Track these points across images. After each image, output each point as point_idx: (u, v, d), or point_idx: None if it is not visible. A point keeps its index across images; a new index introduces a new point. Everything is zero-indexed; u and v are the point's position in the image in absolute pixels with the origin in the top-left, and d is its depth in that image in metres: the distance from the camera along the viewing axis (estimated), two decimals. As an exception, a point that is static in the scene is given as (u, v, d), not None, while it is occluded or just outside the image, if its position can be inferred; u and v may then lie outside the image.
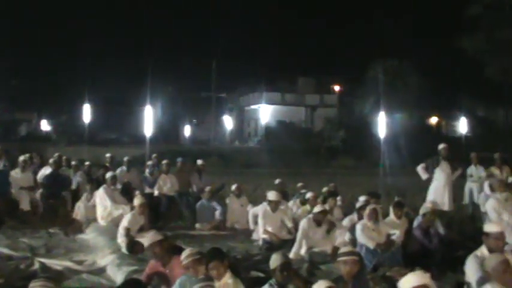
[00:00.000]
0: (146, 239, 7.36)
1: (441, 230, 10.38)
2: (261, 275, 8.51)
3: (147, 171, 15.64)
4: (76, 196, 14.38)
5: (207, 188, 14.09)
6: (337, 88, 59.61)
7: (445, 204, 12.81)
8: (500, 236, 6.58)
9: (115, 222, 11.78)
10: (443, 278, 8.51)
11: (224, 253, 6.70)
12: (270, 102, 56.33)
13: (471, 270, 6.45)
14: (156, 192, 14.76)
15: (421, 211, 10.04)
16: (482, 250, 6.56)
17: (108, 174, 13.62)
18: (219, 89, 58.07)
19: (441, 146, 13.44)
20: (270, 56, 59.41)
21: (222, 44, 53.81)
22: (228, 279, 6.21)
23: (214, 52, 53.13)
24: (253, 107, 59.58)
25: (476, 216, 13.74)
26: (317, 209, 10.32)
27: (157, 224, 12.37)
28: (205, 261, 6.36)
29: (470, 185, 15.14)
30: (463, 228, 12.71)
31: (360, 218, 10.53)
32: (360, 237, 9.57)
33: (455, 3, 47.32)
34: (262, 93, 56.32)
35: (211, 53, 53.43)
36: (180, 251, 7.02)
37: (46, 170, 15.08)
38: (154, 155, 17.23)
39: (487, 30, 40.42)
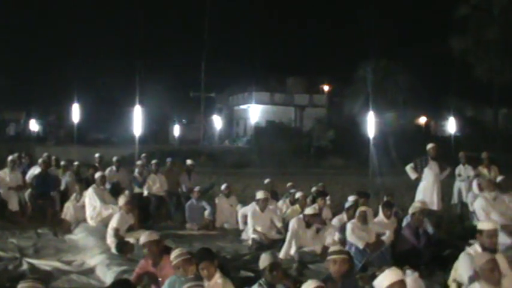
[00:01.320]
0: (143, 236, 7.34)
1: (430, 229, 10.43)
2: (251, 274, 8.52)
3: (136, 171, 15.59)
4: (65, 196, 14.34)
5: (197, 188, 14.09)
6: (326, 88, 59.61)
7: (434, 204, 12.86)
8: (494, 233, 6.62)
9: (104, 223, 11.74)
10: (432, 276, 8.56)
11: (214, 253, 6.71)
12: (259, 102, 56.30)
13: (463, 268, 6.48)
14: (145, 192, 14.75)
15: (410, 210, 10.08)
16: (476, 247, 6.60)
17: (97, 174, 13.56)
18: (208, 89, 57.93)
19: (430, 146, 13.49)
20: (259, 56, 59.38)
21: (211, 43, 53.62)
22: (217, 279, 6.22)
23: (203, 52, 52.90)
24: (242, 106, 59.55)
25: (464, 216, 13.80)
26: (309, 211, 10.32)
27: (146, 224, 12.34)
28: (195, 261, 6.36)
29: (458, 185, 15.19)
30: (452, 228, 12.79)
31: (349, 217, 10.57)
32: (350, 236, 9.61)
33: (444, 4, 47.52)
34: (251, 93, 56.27)
35: (200, 53, 53.26)
36: (169, 251, 7.02)
37: (35, 170, 15.01)
38: (143, 155, 17.19)
39: (475, 31, 40.61)
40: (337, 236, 10.41)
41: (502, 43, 40.01)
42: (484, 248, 6.47)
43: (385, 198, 12.87)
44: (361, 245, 9.40)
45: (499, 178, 12.22)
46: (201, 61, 54.27)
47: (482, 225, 6.83)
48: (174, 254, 6.61)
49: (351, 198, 11.56)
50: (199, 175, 16.86)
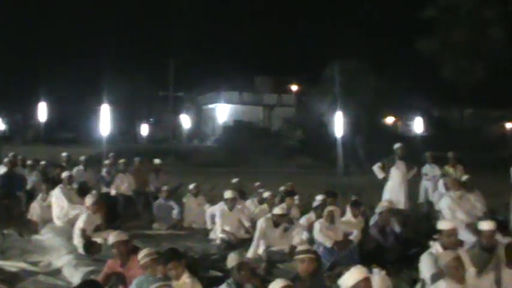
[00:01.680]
0: (112, 236, 7.31)
1: (397, 228, 10.53)
2: (219, 274, 8.51)
3: (104, 170, 15.50)
4: (31, 196, 14.16)
5: (165, 188, 14.05)
6: (294, 87, 59.80)
7: (401, 203, 12.97)
8: (453, 233, 6.71)
9: (71, 223, 11.61)
10: (399, 275, 8.64)
11: (181, 253, 6.70)
12: (228, 101, 56.29)
13: (426, 267, 6.56)
14: (113, 192, 14.66)
15: (377, 210, 10.18)
16: (437, 247, 6.68)
17: (65, 174, 13.43)
18: (176, 88, 57.79)
19: (397, 146, 13.61)
20: (228, 55, 59.38)
21: (180, 43, 53.45)
22: (185, 278, 6.22)
23: (172, 51, 52.72)
24: (210, 106, 59.44)
25: (431, 215, 13.93)
26: (277, 211, 10.32)
27: (114, 224, 12.24)
28: (163, 261, 6.35)
29: (425, 184, 15.34)
30: (419, 226, 12.88)
31: (317, 217, 10.64)
32: (318, 236, 9.66)
33: (412, 5, 48.00)
34: (219, 92, 56.24)
35: (169, 52, 53.07)
36: (137, 251, 7.00)
37: (0, 170, 14.84)
38: (111, 154, 17.06)
39: (442, 32, 41.08)
40: (305, 235, 10.46)
41: (468, 44, 40.54)
42: (444, 247, 6.56)
43: (352, 198, 12.98)
44: (329, 244, 9.46)
45: (465, 177, 12.34)
46: (170, 60, 54.12)
47: (442, 225, 6.92)
48: (142, 253, 6.60)
49: (319, 198, 11.61)
50: (167, 174, 16.81)
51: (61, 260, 9.83)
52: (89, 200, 10.93)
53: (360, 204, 11.29)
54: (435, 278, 6.10)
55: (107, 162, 15.87)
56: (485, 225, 7.06)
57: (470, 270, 6.32)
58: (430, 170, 15.34)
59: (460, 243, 7.73)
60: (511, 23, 40.50)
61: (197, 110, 62.55)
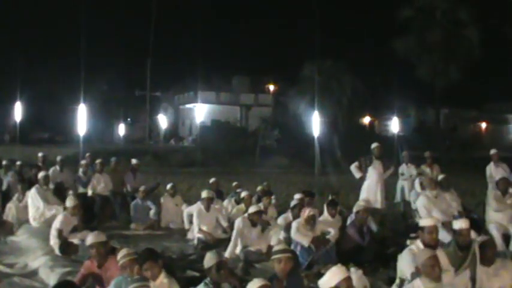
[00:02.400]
0: (91, 237, 7.26)
1: (374, 227, 10.61)
2: (196, 274, 8.49)
3: (80, 170, 15.41)
4: (7, 197, 14.01)
5: (142, 188, 14.00)
6: (272, 87, 59.91)
7: (378, 202, 13.02)
8: (434, 230, 6.78)
9: (48, 223, 11.52)
10: (376, 273, 8.71)
11: (158, 253, 6.69)
12: (205, 101, 56.16)
13: (406, 264, 6.61)
14: (89, 192, 14.58)
15: (355, 209, 10.23)
16: (418, 244, 6.74)
17: (41, 174, 13.32)
18: (154, 88, 57.50)
19: (374, 145, 13.68)
20: (205, 55, 59.27)
21: (157, 42, 53.24)
22: (163, 279, 6.21)
23: (149, 50, 52.46)
24: (188, 106, 59.35)
25: (407, 214, 14.03)
26: (252, 209, 10.34)
27: (91, 224, 12.18)
28: (139, 261, 6.33)
29: (401, 183, 15.43)
30: (395, 226, 12.98)
31: (295, 216, 10.66)
32: (295, 235, 9.69)
33: (388, 5, 48.26)
34: (197, 92, 56.13)
35: (146, 52, 52.81)
36: (115, 251, 6.98)
37: (-25, 171, 14.71)
38: (87, 154, 16.97)
39: (418, 32, 41.33)
40: (282, 235, 10.48)
41: (444, 45, 40.83)
42: (425, 244, 6.62)
43: (330, 197, 13.04)
44: (306, 243, 9.50)
45: (441, 176, 12.45)
46: (147, 60, 53.89)
47: (424, 222, 6.99)
48: (120, 254, 6.57)
49: (297, 197, 11.67)
50: (144, 174, 16.74)
51: (37, 261, 9.75)
52: (69, 202, 10.80)
53: (337, 203, 11.33)
54: (414, 276, 6.16)
55: (83, 162, 15.78)
56: (461, 224, 7.13)
57: (447, 269, 6.38)
58: (406, 169, 15.42)
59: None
60: (486, 24, 41.02)
61: (174, 110, 62.48)
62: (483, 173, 15.21)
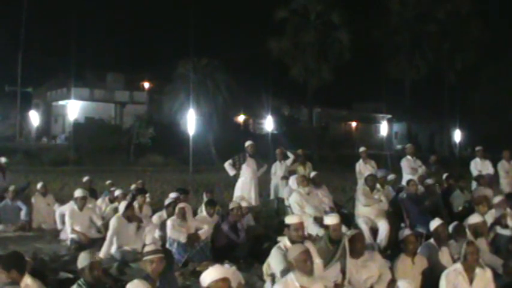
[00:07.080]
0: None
1: (252, 223, 10.77)
2: (70, 276, 8.26)
3: None
4: None
5: (11, 187, 13.45)
6: (147, 85, 59.36)
7: (252, 199, 13.21)
8: (300, 227, 6.91)
9: None
10: (251, 269, 8.82)
11: (20, 255, 6.39)
12: (79, 98, 54.69)
13: (275, 262, 6.71)
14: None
15: (230, 206, 10.33)
16: (285, 241, 6.86)
17: None
18: (25, 83, 55.43)
19: (248, 143, 13.87)
20: (79, 51, 57.88)
21: (29, 36, 51.44)
22: (26, 280, 5.98)
23: (20, 44, 50.52)
24: (61, 102, 57.67)
25: (281, 210, 14.28)
26: (123, 205, 10.24)
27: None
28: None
29: (275, 181, 15.67)
30: (269, 222, 13.19)
31: (169, 214, 10.63)
32: (171, 232, 9.67)
33: (264, 6, 49.06)
34: (70, 88, 54.61)
35: (17, 46, 50.82)
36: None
37: None
38: (-49, 153, 16.16)
39: (292, 33, 42.35)
40: (157, 233, 10.43)
41: (317, 46, 42.05)
42: (292, 241, 6.75)
43: (204, 195, 13.09)
44: (183, 240, 9.50)
45: (313, 174, 12.77)
46: (18, 54, 51.87)
47: (289, 219, 7.11)
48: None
49: (172, 196, 11.65)
50: (14, 173, 16.15)
51: None
52: None
53: (215, 203, 11.38)
54: (285, 271, 6.26)
55: None
56: (332, 219, 7.34)
57: (317, 261, 6.56)
58: (279, 167, 15.67)
59: (308, 236, 8.00)
60: (356, 27, 42.66)
61: (46, 106, 60.52)
62: (353, 170, 15.76)
